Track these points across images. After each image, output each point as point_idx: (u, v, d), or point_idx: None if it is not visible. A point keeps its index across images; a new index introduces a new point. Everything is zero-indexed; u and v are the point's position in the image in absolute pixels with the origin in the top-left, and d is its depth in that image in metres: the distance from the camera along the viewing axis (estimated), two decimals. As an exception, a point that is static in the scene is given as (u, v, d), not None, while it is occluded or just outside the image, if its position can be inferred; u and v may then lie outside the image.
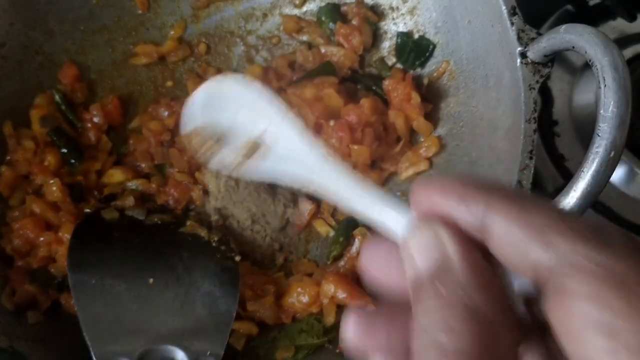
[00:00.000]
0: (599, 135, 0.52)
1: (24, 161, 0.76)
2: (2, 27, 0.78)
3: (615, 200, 0.89)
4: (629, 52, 0.96)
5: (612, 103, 0.52)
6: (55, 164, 0.76)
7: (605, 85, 0.53)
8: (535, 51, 0.64)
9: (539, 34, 0.65)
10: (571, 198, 0.54)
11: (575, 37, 0.57)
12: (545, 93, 0.96)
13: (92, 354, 0.60)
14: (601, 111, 0.52)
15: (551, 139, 0.93)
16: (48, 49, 0.81)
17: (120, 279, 0.66)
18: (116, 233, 0.72)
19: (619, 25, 1.00)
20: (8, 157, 0.77)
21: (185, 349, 0.62)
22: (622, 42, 0.97)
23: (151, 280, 0.67)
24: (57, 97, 0.80)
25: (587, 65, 0.93)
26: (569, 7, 1.00)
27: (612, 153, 0.52)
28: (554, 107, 0.96)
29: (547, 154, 0.92)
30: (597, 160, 0.52)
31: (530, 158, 0.63)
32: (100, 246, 0.70)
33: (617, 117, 0.52)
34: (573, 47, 0.58)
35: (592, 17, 0.99)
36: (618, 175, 0.90)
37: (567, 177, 0.85)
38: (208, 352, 0.62)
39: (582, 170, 0.53)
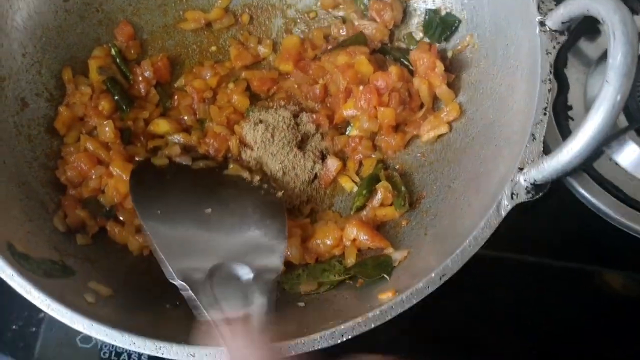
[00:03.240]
0: (607, 82, 0.58)
1: (80, 104, 0.84)
2: (68, -16, 0.87)
3: (626, 183, 0.95)
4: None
5: (620, 53, 0.58)
6: (109, 108, 0.84)
7: (614, 39, 0.59)
8: (553, 19, 0.70)
9: (556, 4, 0.72)
10: (580, 139, 0.60)
11: (590, 2, 0.63)
12: (561, 80, 1.01)
13: (171, 269, 0.66)
14: (610, 60, 0.58)
15: (565, 122, 0.99)
16: (107, 7, 0.90)
17: (182, 211, 0.74)
18: (168, 176, 0.79)
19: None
20: (66, 100, 0.84)
21: (249, 264, 0.68)
22: None
23: (209, 210, 0.74)
24: (113, 51, 0.88)
25: (602, 58, 1.01)
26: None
27: (619, 97, 0.57)
28: (569, 93, 1.01)
29: (561, 135, 0.98)
30: (604, 103, 0.58)
31: (545, 114, 0.69)
32: (158, 186, 0.77)
33: (624, 65, 0.57)
34: (588, 10, 0.64)
35: None
36: (628, 159, 0.95)
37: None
38: (268, 267, 0.69)
39: (592, 112, 0.59)
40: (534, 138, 0.68)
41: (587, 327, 0.90)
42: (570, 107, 1.01)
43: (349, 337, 0.62)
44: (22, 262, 0.65)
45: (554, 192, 0.69)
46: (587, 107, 1.01)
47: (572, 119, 1.00)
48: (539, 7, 0.72)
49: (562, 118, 0.99)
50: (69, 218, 0.77)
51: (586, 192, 0.93)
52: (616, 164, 0.96)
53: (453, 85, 0.85)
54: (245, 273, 0.67)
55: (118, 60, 0.88)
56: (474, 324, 0.88)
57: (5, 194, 0.74)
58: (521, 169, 0.67)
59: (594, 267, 0.95)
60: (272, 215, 0.75)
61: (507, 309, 0.90)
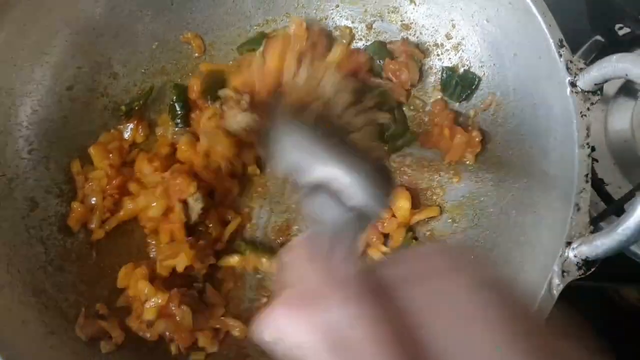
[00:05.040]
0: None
1: (98, 191, 0.80)
2: (70, 70, 0.83)
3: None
4: (659, 80, 0.99)
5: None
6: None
7: (661, 110, 0.56)
8: (586, 80, 0.67)
9: (586, 64, 0.69)
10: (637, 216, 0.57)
11: (630, 66, 0.61)
12: (582, 121, 0.99)
13: None
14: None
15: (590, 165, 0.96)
16: (112, 91, 0.86)
17: None
18: None
19: (650, 54, 1.03)
20: (80, 194, 0.80)
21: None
22: (653, 70, 1.00)
23: None
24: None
25: (620, 93, 0.98)
26: (599, 37, 1.04)
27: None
28: (590, 134, 0.98)
29: (586, 179, 0.95)
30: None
31: (587, 182, 0.66)
32: None
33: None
34: (626, 74, 0.61)
35: (622, 47, 1.02)
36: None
37: (608, 201, 0.87)
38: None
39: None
40: (579, 208, 0.65)
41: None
42: (593, 149, 0.97)
43: None
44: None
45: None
46: (610, 146, 0.98)
47: (597, 161, 0.97)
48: (567, 68, 0.69)
49: (586, 161, 0.96)
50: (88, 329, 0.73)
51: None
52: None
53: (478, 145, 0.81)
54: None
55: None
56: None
57: (24, 307, 0.70)
58: (569, 243, 0.63)
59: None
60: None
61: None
